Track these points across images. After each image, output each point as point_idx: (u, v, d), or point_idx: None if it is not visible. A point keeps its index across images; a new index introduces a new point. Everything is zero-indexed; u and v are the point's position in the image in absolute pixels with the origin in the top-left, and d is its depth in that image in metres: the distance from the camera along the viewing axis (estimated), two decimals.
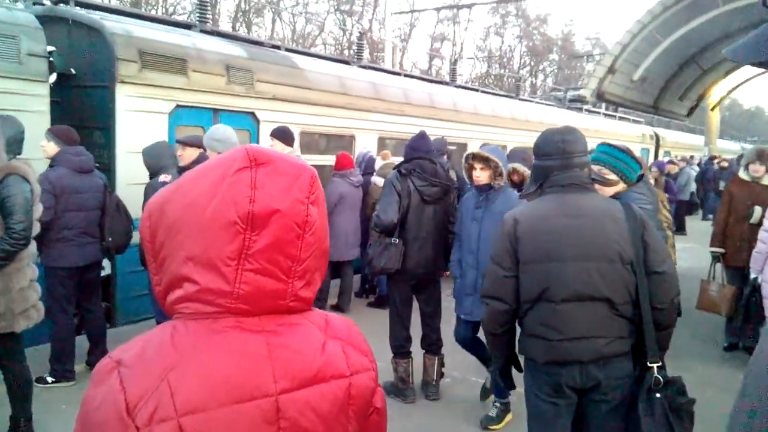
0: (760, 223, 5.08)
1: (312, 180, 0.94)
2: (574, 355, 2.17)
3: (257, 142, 6.53)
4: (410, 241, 4.12)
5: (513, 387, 2.61)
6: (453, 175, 7.70)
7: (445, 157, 8.04)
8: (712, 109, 20.79)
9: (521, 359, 2.45)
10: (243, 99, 6.32)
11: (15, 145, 3.49)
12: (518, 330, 2.39)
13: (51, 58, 5.03)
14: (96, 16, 5.58)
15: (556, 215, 2.23)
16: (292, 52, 8.04)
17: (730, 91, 21.80)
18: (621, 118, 18.86)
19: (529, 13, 45.48)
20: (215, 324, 0.87)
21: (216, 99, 6.03)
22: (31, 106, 4.78)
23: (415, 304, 4.39)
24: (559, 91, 19.23)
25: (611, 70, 15.61)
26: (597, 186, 2.50)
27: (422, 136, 4.34)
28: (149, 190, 4.61)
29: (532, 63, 49.09)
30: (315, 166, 6.56)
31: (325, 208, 0.99)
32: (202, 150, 4.56)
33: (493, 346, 2.45)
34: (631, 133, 17.99)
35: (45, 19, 5.32)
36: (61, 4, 5.82)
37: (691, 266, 8.90)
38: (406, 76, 10.83)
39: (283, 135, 5.19)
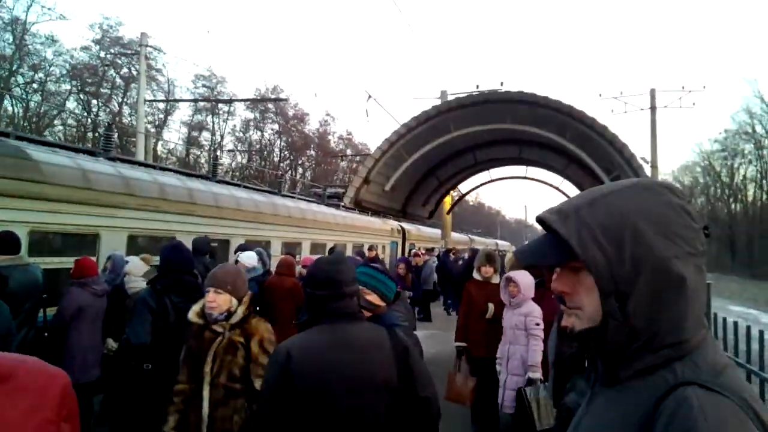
0: (494, 318, 5.80)
1: (63, 391, 0.76)
2: None
3: None
4: (168, 366, 3.70)
5: None
6: None
7: (208, 256, 7.70)
8: (448, 213, 24.63)
9: None
10: None
11: None
12: None
13: None
14: None
15: (329, 348, 2.21)
16: (25, 141, 7.04)
17: (459, 199, 26.52)
18: (373, 213, 20.53)
19: (287, 111, 47.98)
20: None
21: None
22: None
23: None
24: (319, 188, 20.30)
25: (366, 180, 17.72)
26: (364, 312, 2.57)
27: (179, 249, 4.05)
28: None
29: (292, 157, 51.35)
30: (50, 269, 5.67)
31: (79, 422, 0.79)
32: None
33: None
34: (381, 227, 19.65)
35: None
36: None
37: (438, 351, 9.76)
38: (162, 169, 10.28)
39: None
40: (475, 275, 6.21)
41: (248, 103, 42.98)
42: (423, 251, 18.95)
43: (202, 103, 40.61)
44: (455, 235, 33.15)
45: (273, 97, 42.30)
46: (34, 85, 32.78)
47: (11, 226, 5.45)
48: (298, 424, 2.13)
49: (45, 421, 0.72)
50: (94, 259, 6.45)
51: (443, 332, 11.46)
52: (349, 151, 48.97)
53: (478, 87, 21.36)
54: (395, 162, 18.31)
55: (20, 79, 31.83)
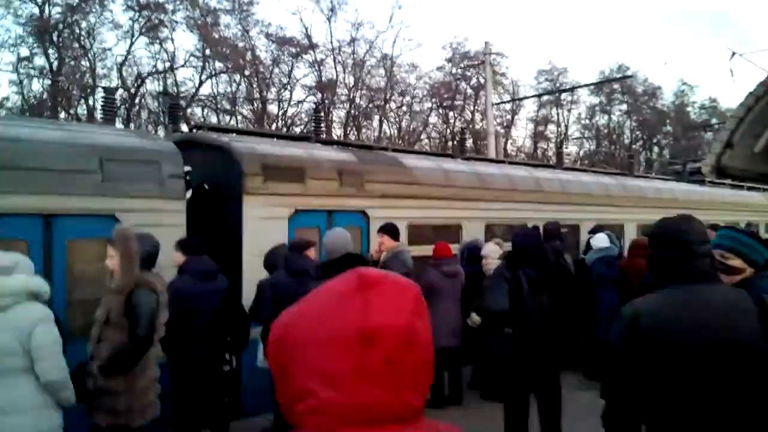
0: None
1: (416, 296, 1.03)
2: None
3: (367, 238, 6.84)
4: (524, 331, 4.03)
5: None
6: (568, 258, 7.55)
7: (558, 240, 7.87)
8: None
9: None
10: (354, 199, 6.72)
11: (149, 260, 3.88)
12: None
13: (188, 177, 5.69)
14: (225, 138, 6.32)
15: (681, 309, 2.10)
16: (398, 152, 8.49)
17: None
18: (750, 188, 17.42)
19: (636, 89, 44.56)
20: None
21: (330, 201, 6.47)
22: (170, 221, 5.35)
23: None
24: (677, 164, 18.33)
25: (729, 144, 15.03)
26: (722, 275, 2.36)
27: (527, 232, 4.36)
28: (259, 287, 5.01)
29: (645, 137, 47.44)
30: (422, 256, 6.67)
31: (429, 322, 1.07)
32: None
33: None
34: (762, 203, 16.55)
35: (183, 144, 6.07)
36: (195, 130, 6.67)
37: None
38: (510, 163, 10.93)
39: (389, 231, 5.54)
40: None
41: (592, 87, 41.59)
42: None
43: (545, 97, 41.17)
44: None
45: (618, 75, 39.96)
46: (403, 108, 38.59)
47: (395, 221, 6.69)
48: (651, 385, 2.11)
49: (405, 317, 0.98)
50: (453, 245, 7.28)
51: None
52: (714, 120, 42.58)
53: None
54: (765, 118, 15.02)
55: (392, 105, 37.91)
